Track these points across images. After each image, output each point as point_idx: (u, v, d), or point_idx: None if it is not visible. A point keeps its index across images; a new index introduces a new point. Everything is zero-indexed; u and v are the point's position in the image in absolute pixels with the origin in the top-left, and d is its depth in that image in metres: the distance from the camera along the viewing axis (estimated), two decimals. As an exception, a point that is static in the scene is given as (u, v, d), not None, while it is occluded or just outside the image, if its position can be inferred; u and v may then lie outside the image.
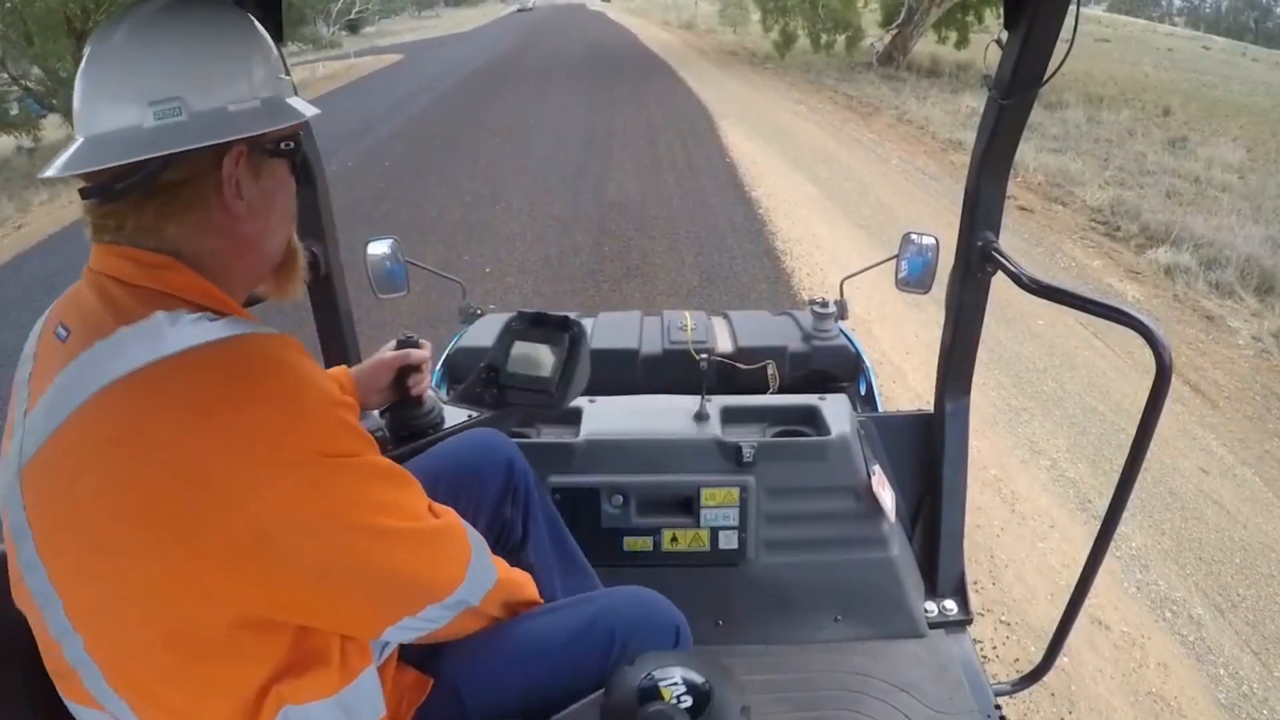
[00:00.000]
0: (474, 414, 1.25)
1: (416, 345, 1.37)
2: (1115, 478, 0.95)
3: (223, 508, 0.59)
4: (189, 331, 0.63)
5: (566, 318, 1.23)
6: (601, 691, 0.79)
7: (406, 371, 1.18)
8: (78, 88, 0.67)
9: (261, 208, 0.72)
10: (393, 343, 1.21)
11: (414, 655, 0.86)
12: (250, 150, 0.70)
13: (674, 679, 0.75)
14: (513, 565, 0.92)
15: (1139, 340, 0.89)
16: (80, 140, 0.67)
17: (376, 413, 1.22)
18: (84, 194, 0.67)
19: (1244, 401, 3.73)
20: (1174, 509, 2.84)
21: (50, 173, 0.66)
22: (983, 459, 2.97)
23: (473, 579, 0.77)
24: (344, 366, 1.22)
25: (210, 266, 0.70)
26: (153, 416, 0.60)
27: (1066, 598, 1.13)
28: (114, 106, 0.66)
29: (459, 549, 0.77)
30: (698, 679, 0.75)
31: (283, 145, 0.74)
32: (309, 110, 0.75)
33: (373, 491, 0.67)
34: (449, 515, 0.78)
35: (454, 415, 1.25)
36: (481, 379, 1.25)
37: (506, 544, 1.10)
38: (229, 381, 0.61)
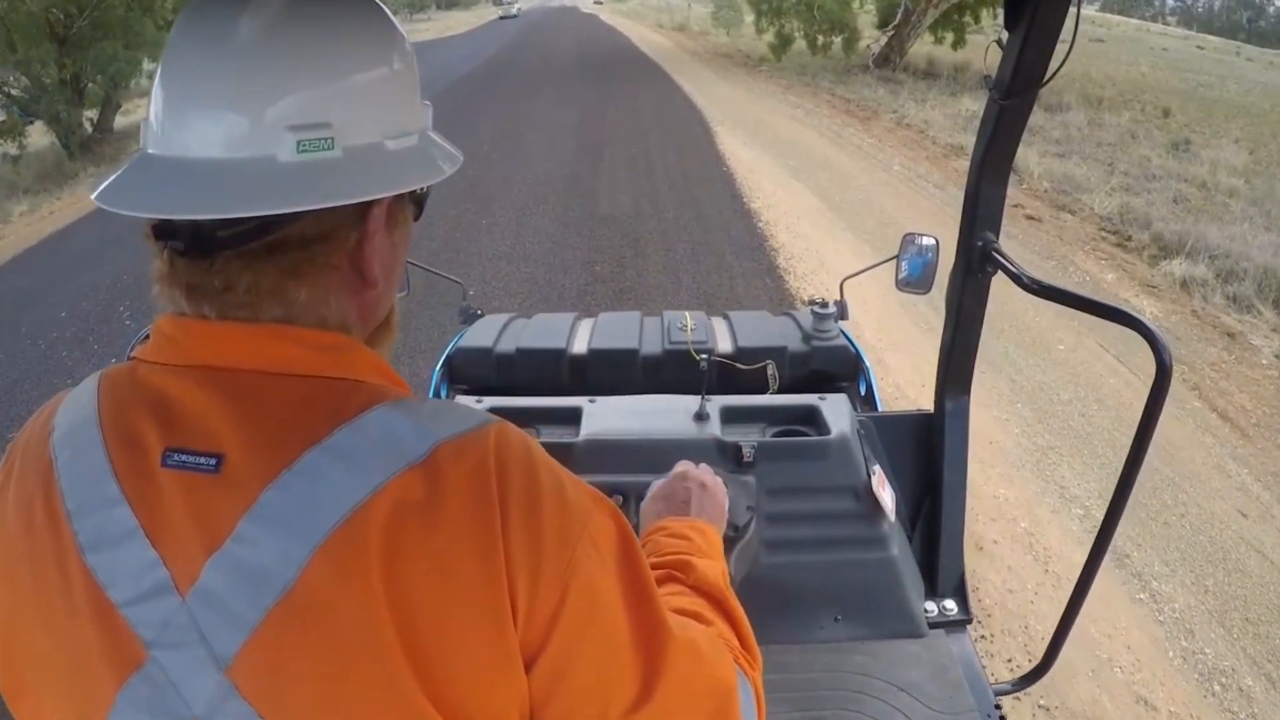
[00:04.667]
0: None
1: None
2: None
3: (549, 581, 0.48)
4: (413, 424, 0.48)
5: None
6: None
7: None
8: (174, 85, 0.49)
9: (389, 265, 0.56)
10: None
11: None
12: (396, 199, 0.55)
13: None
14: None
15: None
16: (168, 154, 0.48)
17: None
18: (164, 234, 0.48)
19: (1274, 429, 3.53)
20: (1215, 561, 2.62)
21: (139, 208, 0.47)
22: (1011, 510, 2.75)
23: None
24: None
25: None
26: (430, 525, 0.45)
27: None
28: (240, 124, 0.47)
29: None
30: None
31: (420, 190, 0.58)
32: (456, 152, 0.59)
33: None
34: None
35: None
36: None
37: None
38: (510, 471, 0.48)
